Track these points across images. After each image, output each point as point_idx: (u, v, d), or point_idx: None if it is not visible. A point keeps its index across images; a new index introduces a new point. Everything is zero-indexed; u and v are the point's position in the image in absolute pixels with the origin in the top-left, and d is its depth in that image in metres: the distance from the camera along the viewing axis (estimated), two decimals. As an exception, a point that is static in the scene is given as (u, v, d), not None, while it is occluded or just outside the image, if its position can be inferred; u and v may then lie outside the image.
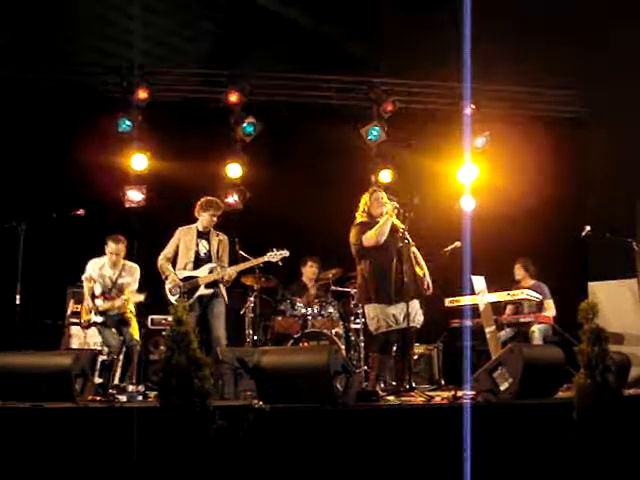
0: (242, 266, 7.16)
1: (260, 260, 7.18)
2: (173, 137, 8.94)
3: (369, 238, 6.34)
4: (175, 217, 7.54)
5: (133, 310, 7.24)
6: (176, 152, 8.86)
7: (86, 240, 7.46)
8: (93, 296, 7.11)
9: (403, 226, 6.37)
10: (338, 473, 4.48)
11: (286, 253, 7.19)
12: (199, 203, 7.15)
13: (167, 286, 6.97)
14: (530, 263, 8.42)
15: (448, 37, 7.78)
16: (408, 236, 6.44)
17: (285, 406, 4.66)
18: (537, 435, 4.74)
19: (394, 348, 6.60)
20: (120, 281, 7.17)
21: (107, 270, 7.19)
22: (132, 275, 7.24)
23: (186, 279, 6.93)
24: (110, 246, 7.14)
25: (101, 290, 7.14)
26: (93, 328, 7.24)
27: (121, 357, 7.08)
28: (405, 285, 6.22)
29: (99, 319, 7.05)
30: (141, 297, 7.20)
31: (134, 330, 7.10)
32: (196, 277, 6.93)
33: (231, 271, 7.02)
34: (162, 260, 7.06)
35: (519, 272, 8.41)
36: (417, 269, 6.50)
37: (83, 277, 7.21)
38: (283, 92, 9.67)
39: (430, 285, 6.55)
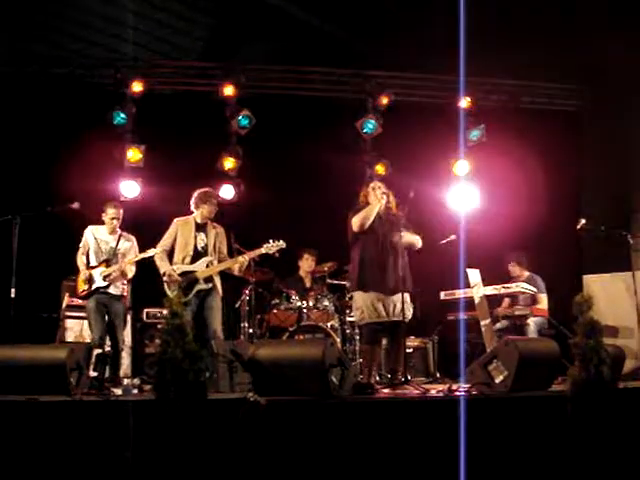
0: (252, 254, 7.14)
1: (257, 252, 7.16)
2: (168, 130, 8.92)
3: (354, 222, 6.38)
4: (170, 210, 7.53)
5: (127, 286, 7.28)
6: (171, 145, 8.84)
7: (81, 234, 7.43)
8: (88, 265, 7.08)
9: (397, 214, 6.39)
10: (334, 465, 4.49)
11: (283, 244, 7.17)
12: (197, 195, 7.12)
13: (165, 279, 6.95)
14: (522, 256, 8.43)
15: (443, 30, 7.78)
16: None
17: (280, 399, 4.67)
18: (532, 428, 4.75)
19: (384, 340, 6.63)
20: (120, 248, 7.13)
21: (106, 236, 7.16)
22: (131, 242, 7.23)
23: (184, 274, 6.92)
24: (109, 212, 7.13)
25: (101, 258, 7.08)
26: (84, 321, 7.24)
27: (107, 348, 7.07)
28: (396, 278, 6.23)
29: (102, 283, 6.98)
30: (152, 252, 7.02)
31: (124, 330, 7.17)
32: (194, 272, 6.92)
33: (242, 259, 7.03)
34: (159, 253, 7.03)
35: (514, 269, 8.41)
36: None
37: (81, 244, 7.16)
38: (278, 85, 9.67)
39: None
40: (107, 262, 7.03)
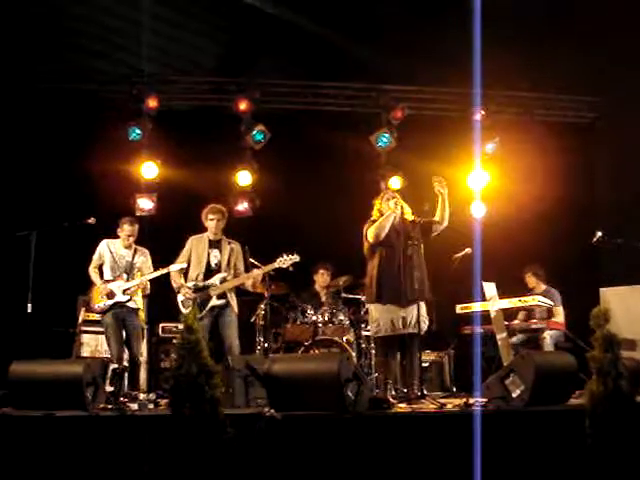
0: (266, 268, 7.14)
1: (271, 267, 7.17)
2: (183, 145, 8.97)
3: (370, 233, 6.42)
4: (185, 225, 7.56)
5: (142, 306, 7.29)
6: (186, 160, 8.89)
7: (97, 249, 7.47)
8: (102, 279, 7.11)
9: (414, 219, 6.41)
10: (349, 481, 4.48)
11: (297, 258, 7.19)
12: (202, 213, 7.18)
13: (179, 298, 6.99)
14: (539, 268, 8.41)
15: (458, 43, 7.78)
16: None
17: (296, 414, 4.66)
18: (549, 442, 4.71)
19: (399, 353, 6.62)
20: (136, 262, 7.19)
21: (123, 250, 7.20)
22: (145, 257, 7.28)
23: (198, 290, 6.95)
24: (125, 228, 7.18)
25: (117, 272, 7.11)
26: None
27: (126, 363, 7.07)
28: (412, 290, 6.23)
29: (124, 298, 7.02)
30: (175, 267, 7.03)
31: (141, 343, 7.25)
32: (208, 288, 6.94)
33: (255, 274, 7.03)
34: (177, 271, 7.05)
35: (530, 280, 8.40)
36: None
37: (94, 257, 7.17)
38: (293, 99, 9.70)
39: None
40: (125, 276, 7.06)
